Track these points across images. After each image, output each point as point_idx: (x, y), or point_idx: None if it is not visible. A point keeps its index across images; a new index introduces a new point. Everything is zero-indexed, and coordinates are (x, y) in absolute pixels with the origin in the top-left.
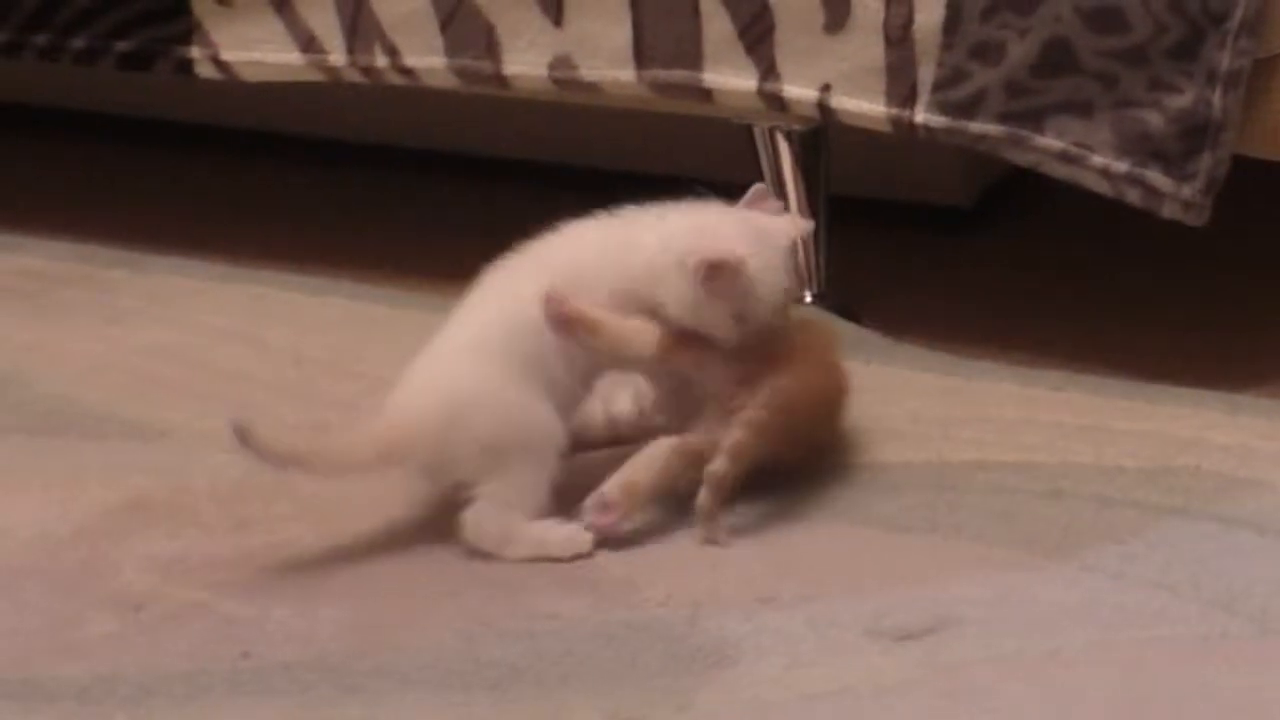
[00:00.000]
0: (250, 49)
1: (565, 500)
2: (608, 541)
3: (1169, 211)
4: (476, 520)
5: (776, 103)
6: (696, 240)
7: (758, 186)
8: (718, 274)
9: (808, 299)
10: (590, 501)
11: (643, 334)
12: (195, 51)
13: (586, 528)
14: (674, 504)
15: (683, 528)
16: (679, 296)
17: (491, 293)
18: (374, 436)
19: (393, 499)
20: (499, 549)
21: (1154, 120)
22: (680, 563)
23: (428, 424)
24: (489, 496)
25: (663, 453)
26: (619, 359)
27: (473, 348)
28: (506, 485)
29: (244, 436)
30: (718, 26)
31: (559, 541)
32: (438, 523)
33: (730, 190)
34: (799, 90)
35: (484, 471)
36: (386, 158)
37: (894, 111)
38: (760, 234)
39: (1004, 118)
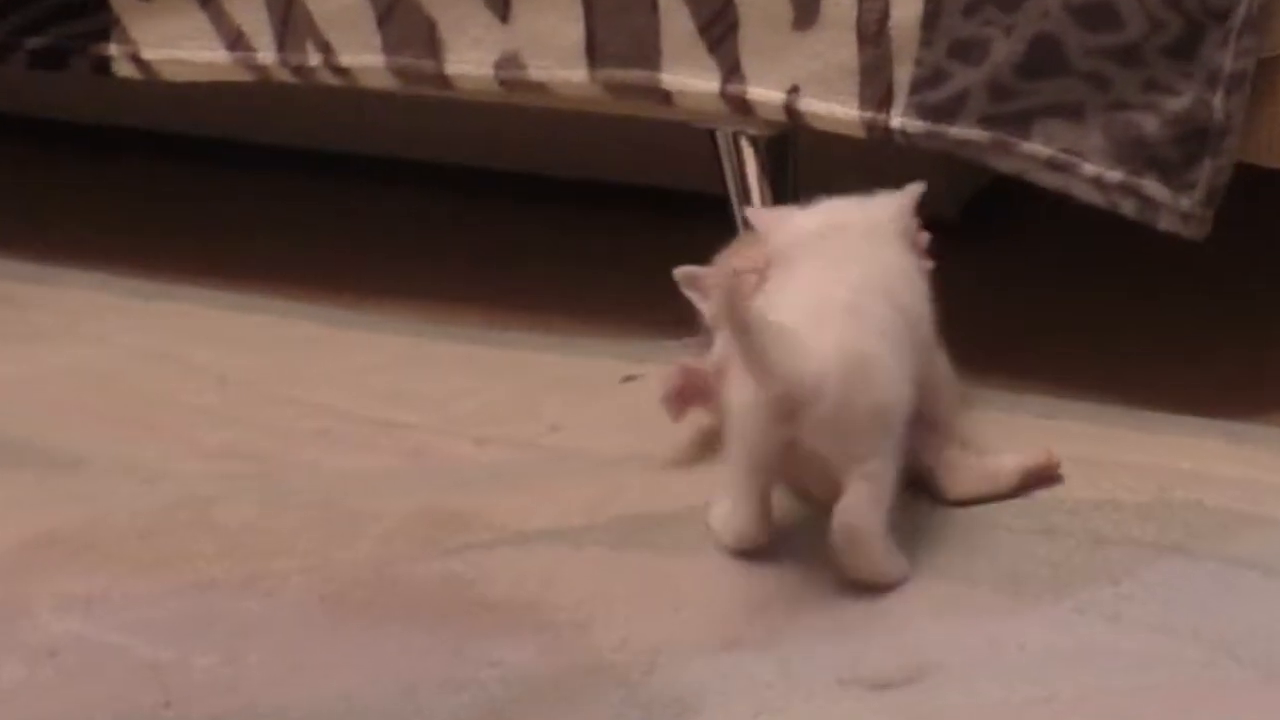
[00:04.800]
0: (173, 46)
1: None
2: (563, 579)
3: (1166, 224)
4: (857, 512)
5: (741, 106)
6: None
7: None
8: None
9: None
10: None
11: None
12: (113, 49)
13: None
14: (636, 537)
15: (642, 562)
16: None
17: (855, 256)
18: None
19: (328, 533)
20: (873, 564)
21: (1150, 125)
22: (639, 603)
23: (828, 380)
24: (868, 479)
25: None
26: None
27: (853, 310)
28: (883, 470)
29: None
30: (677, 23)
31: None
32: (375, 560)
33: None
34: (765, 92)
35: (867, 445)
36: (320, 164)
37: (868, 115)
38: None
39: (987, 121)
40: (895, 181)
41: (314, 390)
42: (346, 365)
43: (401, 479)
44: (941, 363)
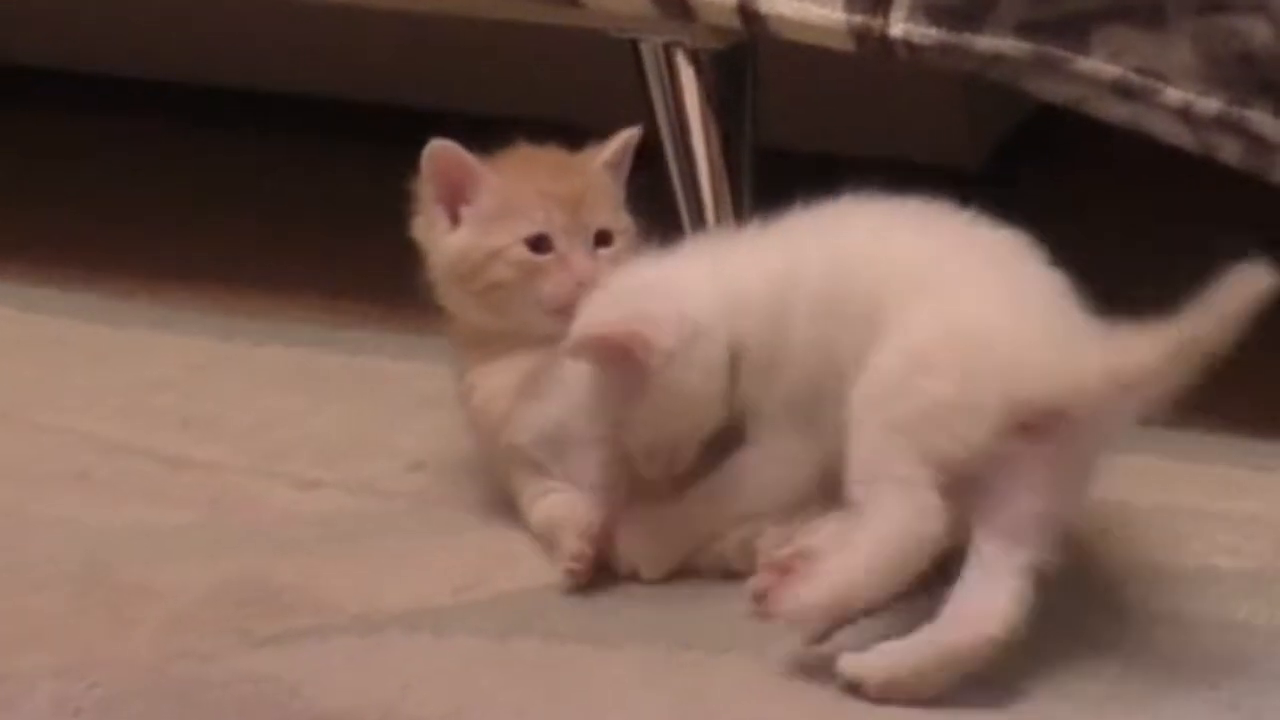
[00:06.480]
0: None
1: None
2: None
3: None
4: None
5: (676, 6)
6: None
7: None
8: None
9: None
10: None
11: None
12: None
13: None
14: (526, 621)
15: (535, 656)
16: None
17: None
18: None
19: (93, 618)
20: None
21: (1260, 33)
22: (532, 713)
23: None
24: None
25: None
26: None
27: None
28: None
29: None
30: None
31: None
32: (159, 657)
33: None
34: None
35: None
36: (83, 90)
37: (858, 19)
38: None
39: (1028, 30)
40: (898, 120)
41: (73, 415)
42: (120, 379)
43: (196, 540)
44: None
